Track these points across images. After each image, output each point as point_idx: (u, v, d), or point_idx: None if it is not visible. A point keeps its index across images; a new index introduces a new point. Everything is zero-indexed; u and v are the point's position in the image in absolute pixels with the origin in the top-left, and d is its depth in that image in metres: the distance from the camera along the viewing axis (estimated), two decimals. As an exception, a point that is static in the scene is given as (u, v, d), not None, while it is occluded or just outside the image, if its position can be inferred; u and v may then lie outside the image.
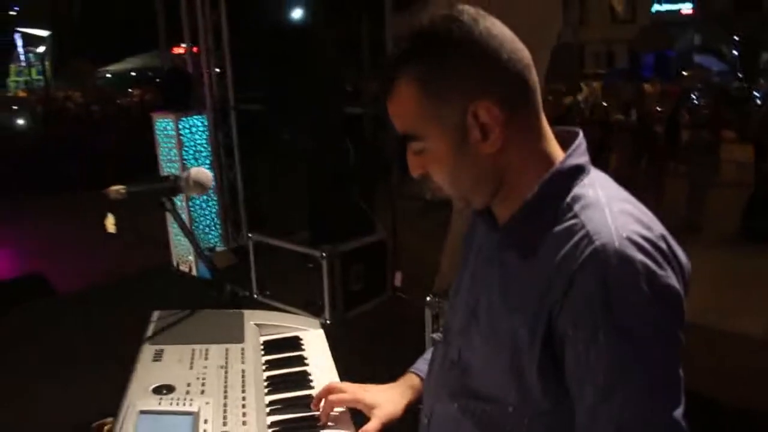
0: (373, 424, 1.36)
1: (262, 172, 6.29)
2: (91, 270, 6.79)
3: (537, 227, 1.06)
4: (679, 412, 0.96)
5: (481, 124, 1.04)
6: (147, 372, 1.55)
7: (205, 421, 1.34)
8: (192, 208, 6.35)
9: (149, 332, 1.79)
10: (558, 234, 1.03)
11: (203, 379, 1.52)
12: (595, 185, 1.08)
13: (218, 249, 6.49)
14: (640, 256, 0.96)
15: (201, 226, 6.47)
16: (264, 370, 1.65)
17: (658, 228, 1.03)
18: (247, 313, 1.93)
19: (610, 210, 1.02)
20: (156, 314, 1.91)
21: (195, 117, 6.32)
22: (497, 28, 1.06)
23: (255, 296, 5.56)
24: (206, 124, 6.40)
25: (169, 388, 1.46)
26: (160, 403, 1.40)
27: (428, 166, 1.12)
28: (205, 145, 6.40)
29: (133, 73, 30.63)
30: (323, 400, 1.44)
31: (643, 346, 0.95)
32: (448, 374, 1.25)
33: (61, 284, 6.14)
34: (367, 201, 5.51)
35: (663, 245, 1.00)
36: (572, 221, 1.03)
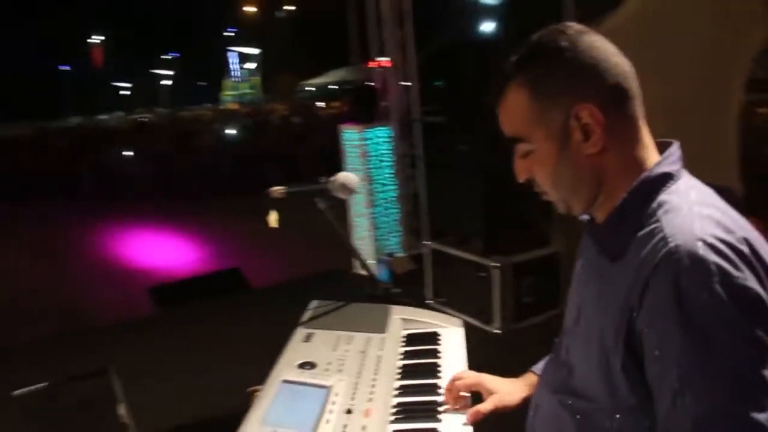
0: (487, 405, 1.47)
1: (442, 182, 6.45)
2: (282, 268, 7.39)
3: (625, 232, 1.12)
4: (763, 416, 0.96)
5: (583, 126, 1.13)
6: (296, 350, 1.76)
7: (336, 394, 1.51)
8: (374, 215, 6.66)
9: (304, 318, 2.00)
10: (641, 238, 1.08)
11: (343, 360, 1.69)
12: (681, 192, 1.12)
13: (397, 255, 6.74)
14: (714, 257, 0.98)
15: (382, 233, 6.76)
16: (400, 359, 1.79)
17: (742, 232, 1.04)
18: (394, 308, 2.08)
19: (690, 214, 1.06)
20: (314, 303, 2.13)
21: (380, 128, 6.63)
22: (599, 42, 1.16)
23: (429, 301, 5.73)
24: (390, 135, 6.68)
25: (311, 365, 1.66)
26: (300, 376, 1.59)
27: (533, 169, 1.21)
28: (389, 155, 6.69)
29: (333, 87, 32.30)
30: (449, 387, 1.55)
31: (718, 346, 0.96)
32: (555, 371, 1.32)
33: (255, 279, 6.70)
34: (544, 213, 5.49)
35: (744, 248, 1.01)
36: (654, 225, 1.07)
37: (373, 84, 6.97)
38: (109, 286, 8.51)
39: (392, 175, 6.78)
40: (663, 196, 1.11)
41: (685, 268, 0.98)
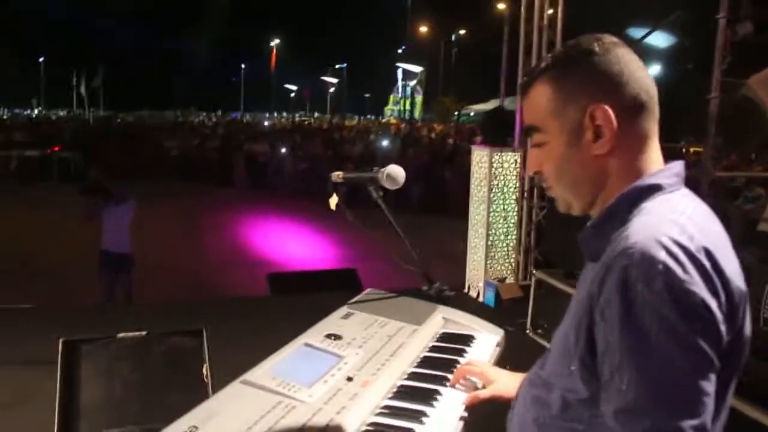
0: (485, 392, 1.58)
1: (557, 214, 6.39)
2: (403, 277, 7.55)
3: (605, 234, 1.17)
4: (687, 424, 0.97)
5: (596, 126, 1.19)
6: (331, 323, 1.91)
7: (346, 363, 1.63)
8: (490, 239, 6.69)
9: (353, 300, 2.14)
10: (614, 239, 1.12)
11: (367, 339, 1.81)
12: (665, 201, 1.15)
13: (508, 281, 6.74)
14: (663, 256, 1.01)
15: (497, 256, 6.78)
16: (425, 351, 1.88)
17: (707, 242, 1.06)
18: (441, 307, 2.17)
19: (659, 217, 1.10)
20: (368, 290, 2.26)
21: (510, 153, 6.67)
22: (628, 56, 1.22)
23: (527, 331, 5.70)
24: (518, 161, 6.70)
25: (337, 337, 1.79)
26: (322, 343, 1.73)
27: (543, 162, 1.28)
28: (514, 181, 6.71)
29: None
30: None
31: (653, 344, 0.99)
32: (536, 366, 1.38)
33: (368, 282, 6.89)
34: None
35: (701, 256, 1.04)
36: (626, 225, 1.12)
37: (506, 108, 7.01)
38: (238, 269, 9.09)
39: (515, 203, 6.78)
40: (646, 204, 1.15)
41: (636, 263, 1.02)
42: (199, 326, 3.65)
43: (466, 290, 6.97)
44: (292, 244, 10.94)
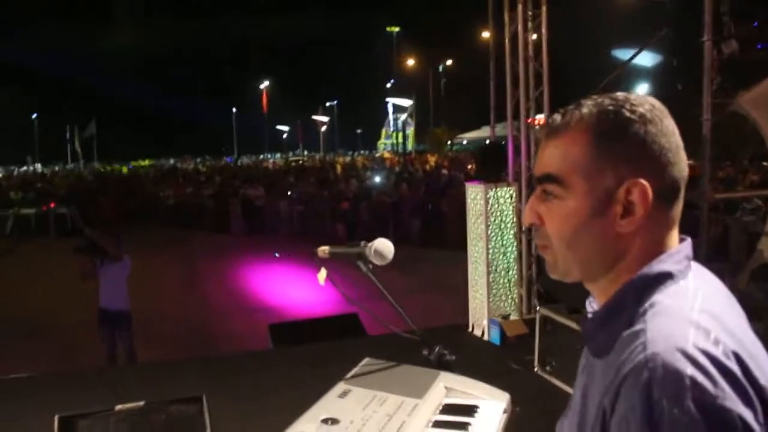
0: None
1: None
2: (397, 318, 7.44)
3: (612, 329, 1.05)
4: None
5: (628, 202, 1.06)
6: (328, 405, 1.83)
7: (343, 454, 1.55)
8: (491, 275, 6.61)
9: (350, 374, 2.06)
10: (625, 339, 1.01)
11: (366, 421, 1.73)
12: (681, 294, 1.03)
13: (512, 318, 6.64)
14: (690, 371, 0.89)
15: (498, 293, 6.69)
16: (427, 427, 1.80)
17: (734, 344, 0.95)
18: (443, 374, 2.09)
19: (678, 319, 0.98)
20: (365, 360, 2.18)
21: (504, 187, 6.62)
22: (675, 128, 1.10)
23: (535, 369, 5.60)
24: (513, 196, 6.65)
25: (334, 421, 1.71)
26: (318, 429, 1.65)
27: (548, 217, 1.12)
28: (511, 215, 6.65)
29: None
30: None
31: None
32: None
33: (370, 324, 6.77)
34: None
35: (729, 363, 0.92)
36: (640, 326, 1.00)
37: (501, 142, 6.97)
38: (238, 316, 9.01)
39: (514, 237, 6.71)
40: (657, 296, 1.03)
41: (659, 379, 0.90)
42: (199, 393, 3.59)
43: (470, 329, 6.87)
44: (292, 288, 10.83)
